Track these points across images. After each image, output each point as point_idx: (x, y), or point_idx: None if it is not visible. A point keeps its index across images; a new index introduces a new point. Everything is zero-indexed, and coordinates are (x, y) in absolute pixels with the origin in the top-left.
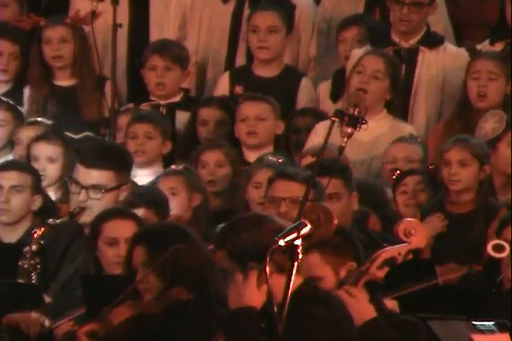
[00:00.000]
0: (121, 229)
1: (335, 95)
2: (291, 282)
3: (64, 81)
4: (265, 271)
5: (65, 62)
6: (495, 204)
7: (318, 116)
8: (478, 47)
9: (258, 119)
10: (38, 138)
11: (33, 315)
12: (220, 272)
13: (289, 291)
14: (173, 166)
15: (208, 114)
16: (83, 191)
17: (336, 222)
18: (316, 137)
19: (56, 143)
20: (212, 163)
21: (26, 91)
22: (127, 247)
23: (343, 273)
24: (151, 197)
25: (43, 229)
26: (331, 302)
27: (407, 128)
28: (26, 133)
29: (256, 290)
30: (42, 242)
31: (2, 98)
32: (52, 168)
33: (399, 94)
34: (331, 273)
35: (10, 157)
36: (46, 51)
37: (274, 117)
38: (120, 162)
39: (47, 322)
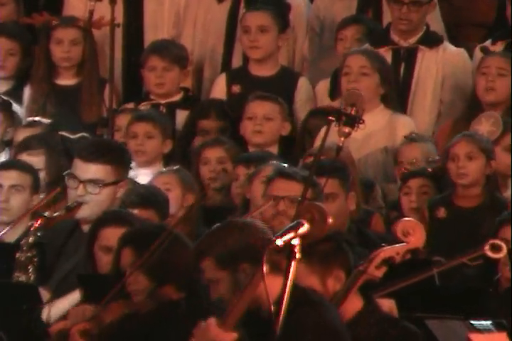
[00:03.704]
0: (116, 238)
1: (333, 94)
2: (289, 281)
3: (66, 80)
4: (262, 271)
5: (72, 63)
6: (502, 199)
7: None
8: (492, 48)
9: (265, 119)
10: (20, 149)
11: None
12: None
13: (287, 291)
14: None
15: (208, 125)
16: (81, 185)
17: (330, 221)
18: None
19: (38, 153)
20: (214, 159)
21: (26, 90)
22: (115, 249)
23: (330, 282)
24: (153, 197)
25: (39, 221)
26: (320, 304)
27: (402, 121)
28: (23, 135)
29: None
30: (39, 234)
31: (3, 97)
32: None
33: (392, 87)
34: (318, 282)
35: (2, 158)
36: (56, 51)
37: (281, 118)
38: (118, 157)
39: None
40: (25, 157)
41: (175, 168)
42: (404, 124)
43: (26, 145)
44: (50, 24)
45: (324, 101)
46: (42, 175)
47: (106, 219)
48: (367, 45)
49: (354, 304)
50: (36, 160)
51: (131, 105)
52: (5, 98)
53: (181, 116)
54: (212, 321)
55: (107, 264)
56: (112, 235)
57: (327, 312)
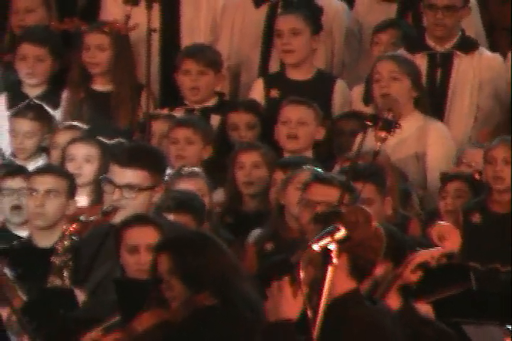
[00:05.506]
0: (141, 236)
1: (367, 99)
2: (326, 287)
3: (101, 86)
4: (299, 278)
5: (101, 69)
6: None
7: (362, 119)
8: None
9: (299, 123)
10: (74, 140)
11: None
12: (246, 277)
13: (325, 296)
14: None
15: (237, 118)
16: (117, 190)
17: (374, 224)
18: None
19: (93, 144)
20: (249, 164)
21: (64, 94)
22: (152, 255)
23: (378, 270)
24: (191, 202)
25: (74, 225)
26: (371, 310)
27: (434, 126)
28: (63, 137)
29: (292, 300)
30: (74, 238)
31: (36, 102)
32: (89, 167)
33: (424, 90)
34: None
35: (40, 162)
36: (84, 57)
37: (315, 122)
38: (154, 162)
39: None
40: (81, 145)
41: (198, 170)
42: (436, 129)
43: (81, 138)
44: (80, 30)
45: (358, 106)
46: (93, 166)
47: (127, 221)
48: (401, 50)
49: (392, 303)
50: (90, 149)
51: (165, 110)
52: (38, 102)
53: (216, 121)
54: (286, 279)
55: (134, 265)
56: (135, 234)
57: (371, 311)
